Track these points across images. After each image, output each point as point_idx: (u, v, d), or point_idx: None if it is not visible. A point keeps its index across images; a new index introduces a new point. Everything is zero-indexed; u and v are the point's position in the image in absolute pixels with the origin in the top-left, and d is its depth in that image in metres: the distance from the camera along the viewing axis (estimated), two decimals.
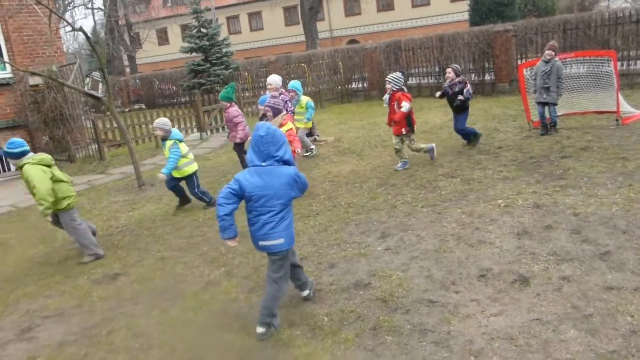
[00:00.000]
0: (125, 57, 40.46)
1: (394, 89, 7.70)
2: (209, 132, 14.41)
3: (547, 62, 8.73)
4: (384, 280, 4.53)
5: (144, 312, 4.63)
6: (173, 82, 25.49)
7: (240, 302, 4.57)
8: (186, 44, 21.65)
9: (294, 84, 10.03)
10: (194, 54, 21.70)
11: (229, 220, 3.84)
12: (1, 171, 13.09)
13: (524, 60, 14.24)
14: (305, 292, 4.40)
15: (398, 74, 7.79)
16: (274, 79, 8.95)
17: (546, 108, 8.96)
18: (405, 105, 7.53)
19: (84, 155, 12.90)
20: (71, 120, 12.64)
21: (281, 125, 6.84)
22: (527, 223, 5.33)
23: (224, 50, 21.49)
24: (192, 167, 7.35)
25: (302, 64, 19.84)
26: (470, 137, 8.87)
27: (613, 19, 13.42)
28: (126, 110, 23.62)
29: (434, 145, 8.24)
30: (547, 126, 9.03)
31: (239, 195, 3.82)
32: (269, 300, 3.98)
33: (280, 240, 3.86)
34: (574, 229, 5.04)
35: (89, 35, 9.25)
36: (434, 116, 12.49)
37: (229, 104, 8.92)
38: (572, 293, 3.94)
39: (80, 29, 9.03)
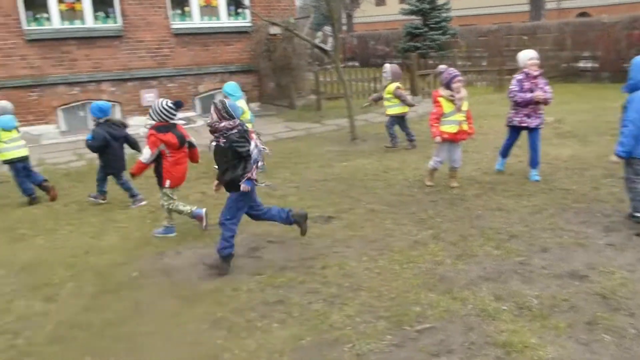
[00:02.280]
0: (343, 15, 41.94)
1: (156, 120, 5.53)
2: (421, 97, 14.49)
3: None
4: (605, 276, 4.26)
5: (355, 256, 4.98)
6: (387, 43, 25.89)
7: (447, 266, 4.67)
8: (406, 6, 21.75)
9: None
10: (412, 17, 21.73)
11: None
12: None
13: None
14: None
15: (166, 103, 5.51)
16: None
17: None
18: (145, 154, 5.50)
19: (303, 104, 13.89)
20: (296, 70, 13.64)
21: None
22: None
23: (443, 15, 21.16)
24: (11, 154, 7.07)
25: (523, 36, 18.73)
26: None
27: None
28: (342, 66, 24.69)
29: (203, 211, 5.88)
30: None
31: None
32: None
33: None
34: None
35: None
36: None
37: None
38: None
39: None
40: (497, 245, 5.00)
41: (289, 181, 7.53)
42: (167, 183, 5.64)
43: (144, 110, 13.44)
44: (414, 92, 14.33)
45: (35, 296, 4.52)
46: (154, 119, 5.55)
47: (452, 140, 6.63)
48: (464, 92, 6.52)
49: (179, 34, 13.62)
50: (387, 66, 9.23)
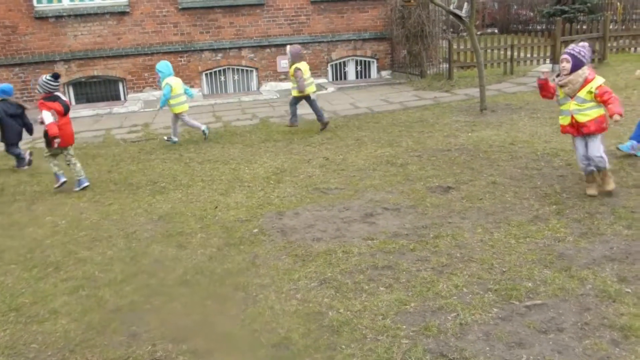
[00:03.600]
0: None
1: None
2: None
3: None
4: None
5: (469, 228, 4.89)
6: (531, 7, 24.18)
7: (567, 244, 4.42)
8: None
9: (159, 65, 8.89)
10: None
11: None
12: (363, 77, 14.79)
13: None
14: None
15: (46, 77, 6.67)
16: None
17: None
18: (46, 116, 6.53)
19: (434, 73, 13.57)
20: (429, 38, 13.31)
21: (586, 82, 5.11)
22: None
23: None
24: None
25: None
26: None
27: None
28: (478, 33, 23.53)
29: (63, 178, 6.89)
30: None
31: None
32: None
33: None
34: None
35: None
36: None
37: None
38: None
39: None
40: (629, 225, 4.64)
41: (411, 150, 7.49)
42: (56, 143, 6.66)
43: (277, 76, 14.02)
44: (555, 60, 13.34)
45: (169, 243, 5.03)
46: (40, 92, 6.70)
47: (570, 134, 5.44)
48: (578, 75, 5.10)
49: (317, 1, 13.88)
50: (288, 47, 9.14)
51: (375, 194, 5.92)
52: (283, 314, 3.72)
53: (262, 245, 4.85)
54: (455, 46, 13.09)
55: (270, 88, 13.96)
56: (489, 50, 13.66)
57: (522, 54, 13.69)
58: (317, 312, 3.71)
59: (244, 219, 5.47)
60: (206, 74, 13.85)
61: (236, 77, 14.13)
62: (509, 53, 13.31)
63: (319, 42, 14.18)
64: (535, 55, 13.77)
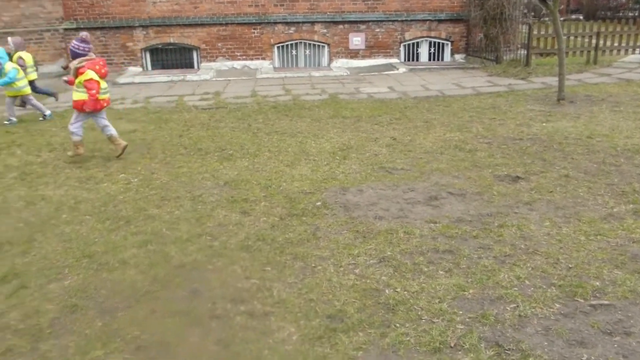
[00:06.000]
0: None
1: None
2: None
3: None
4: None
5: (536, 220, 4.74)
6: None
7: None
8: None
9: None
10: None
11: None
12: (436, 59, 14.48)
13: None
14: None
15: None
16: None
17: None
18: None
19: (510, 59, 13.10)
20: (508, 22, 12.83)
21: (79, 73, 6.46)
22: None
23: None
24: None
25: None
26: None
27: None
28: (562, 19, 22.46)
29: None
30: None
31: None
32: None
33: None
34: None
35: None
36: None
37: None
38: None
39: None
40: None
41: (481, 136, 7.30)
42: None
43: (349, 53, 13.94)
44: None
45: (233, 208, 5.15)
46: None
47: None
48: (73, 64, 6.54)
49: None
50: (9, 39, 9.67)
51: (441, 177, 5.83)
52: (340, 287, 3.75)
53: (324, 218, 4.88)
54: (535, 31, 12.59)
55: (341, 65, 13.91)
56: (571, 38, 13.04)
57: (608, 43, 12.96)
58: (374, 289, 3.72)
59: (308, 192, 5.52)
60: (278, 47, 13.93)
61: (307, 52, 14.14)
62: (593, 41, 12.65)
63: (393, 20, 13.95)
64: (623, 44, 13.01)
